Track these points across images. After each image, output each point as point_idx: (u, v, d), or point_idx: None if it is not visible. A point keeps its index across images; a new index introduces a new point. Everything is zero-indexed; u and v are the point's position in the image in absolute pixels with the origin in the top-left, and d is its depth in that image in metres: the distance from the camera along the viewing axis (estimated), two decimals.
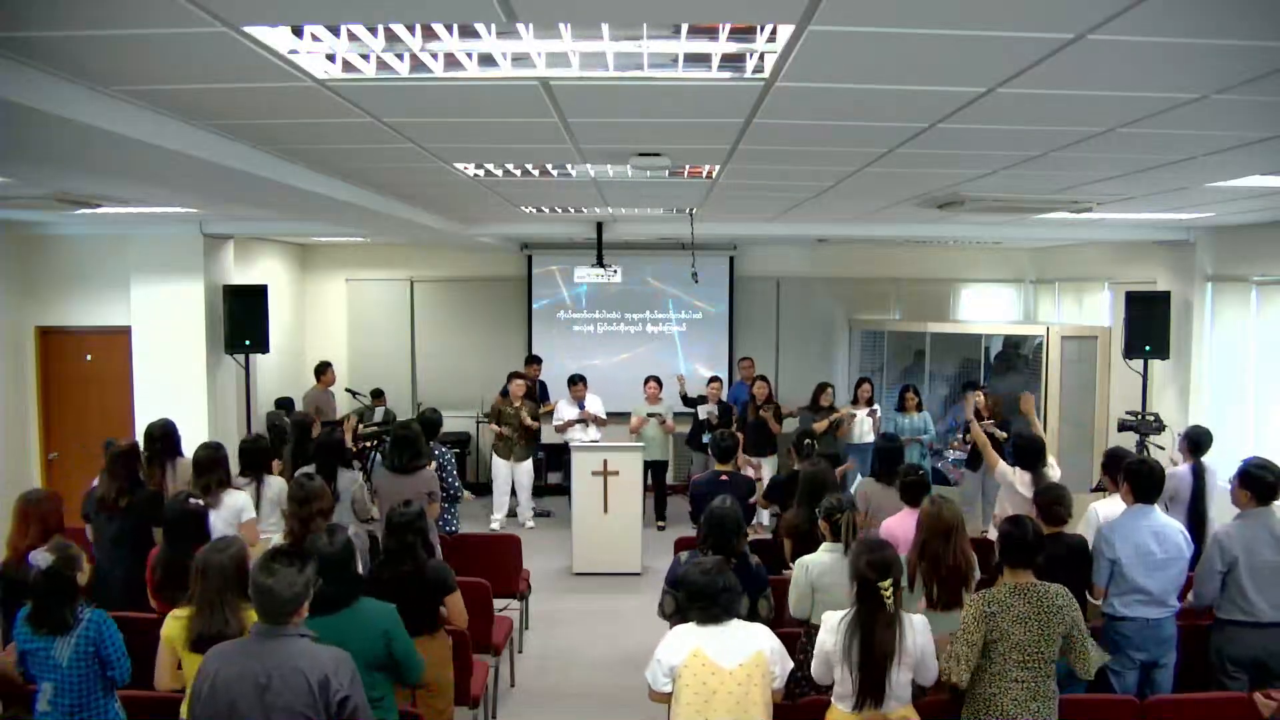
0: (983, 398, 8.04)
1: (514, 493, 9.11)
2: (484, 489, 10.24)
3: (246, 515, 4.88)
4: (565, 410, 9.01)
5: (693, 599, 3.32)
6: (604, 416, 8.97)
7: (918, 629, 3.38)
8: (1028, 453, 5.47)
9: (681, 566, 4.25)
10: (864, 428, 8.70)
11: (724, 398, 9.38)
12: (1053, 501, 4.40)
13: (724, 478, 5.74)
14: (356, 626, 3.32)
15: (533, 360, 9.57)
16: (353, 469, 5.70)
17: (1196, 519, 5.38)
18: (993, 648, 3.44)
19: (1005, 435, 8.03)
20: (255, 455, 5.35)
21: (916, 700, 3.49)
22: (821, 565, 4.11)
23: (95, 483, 5.41)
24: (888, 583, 3.26)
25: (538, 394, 9.41)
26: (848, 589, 3.45)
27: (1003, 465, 5.61)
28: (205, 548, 3.51)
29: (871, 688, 3.27)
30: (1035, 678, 3.42)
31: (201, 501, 4.35)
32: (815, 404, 8.73)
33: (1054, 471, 5.50)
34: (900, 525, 4.66)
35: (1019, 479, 5.43)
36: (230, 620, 3.32)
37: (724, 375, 10.43)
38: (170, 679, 3.45)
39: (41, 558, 3.41)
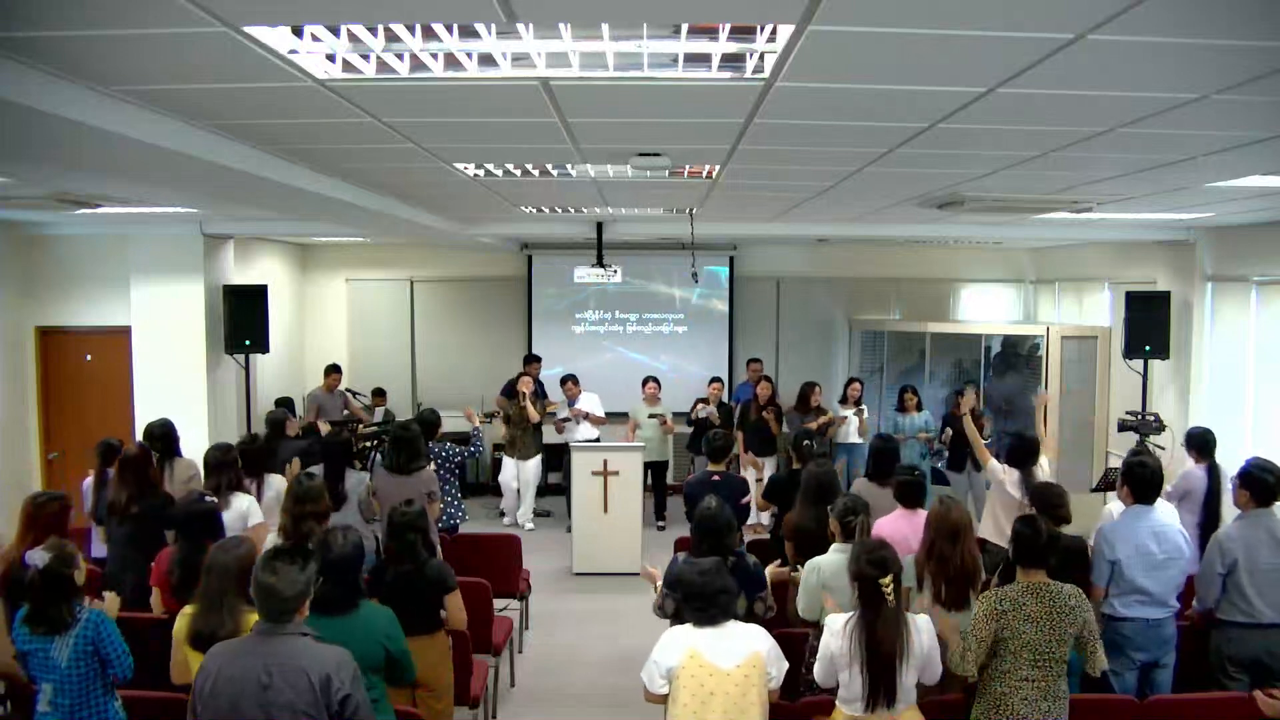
0: (973, 396, 7.95)
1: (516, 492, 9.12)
2: (483, 489, 10.27)
3: (253, 519, 4.90)
4: (560, 410, 9.10)
5: (689, 600, 3.31)
6: (600, 414, 8.98)
7: (922, 629, 3.38)
8: (1020, 451, 5.46)
9: (678, 567, 4.24)
10: (851, 427, 8.74)
11: (724, 398, 9.39)
12: (1055, 504, 4.39)
13: (716, 478, 5.73)
14: (359, 629, 3.32)
15: (532, 359, 9.59)
16: (358, 470, 5.71)
17: (1210, 520, 5.38)
18: (1004, 646, 3.43)
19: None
20: (254, 455, 5.36)
21: (925, 699, 3.49)
22: (833, 566, 4.09)
23: (86, 482, 5.42)
24: (888, 579, 3.27)
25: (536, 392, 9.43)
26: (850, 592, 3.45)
27: (993, 463, 5.61)
28: (215, 546, 3.53)
29: (883, 688, 3.26)
30: (1046, 677, 3.42)
31: (215, 500, 4.36)
32: (805, 404, 8.73)
33: (1043, 471, 5.49)
34: (893, 526, 4.62)
35: (1009, 478, 5.42)
36: (227, 620, 3.33)
37: (724, 375, 10.43)
38: (182, 675, 3.47)
39: (38, 556, 3.41)
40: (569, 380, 9.10)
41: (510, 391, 8.94)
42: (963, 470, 8.19)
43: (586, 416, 8.95)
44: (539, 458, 9.10)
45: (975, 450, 5.98)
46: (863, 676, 3.27)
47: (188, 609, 3.49)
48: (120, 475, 4.86)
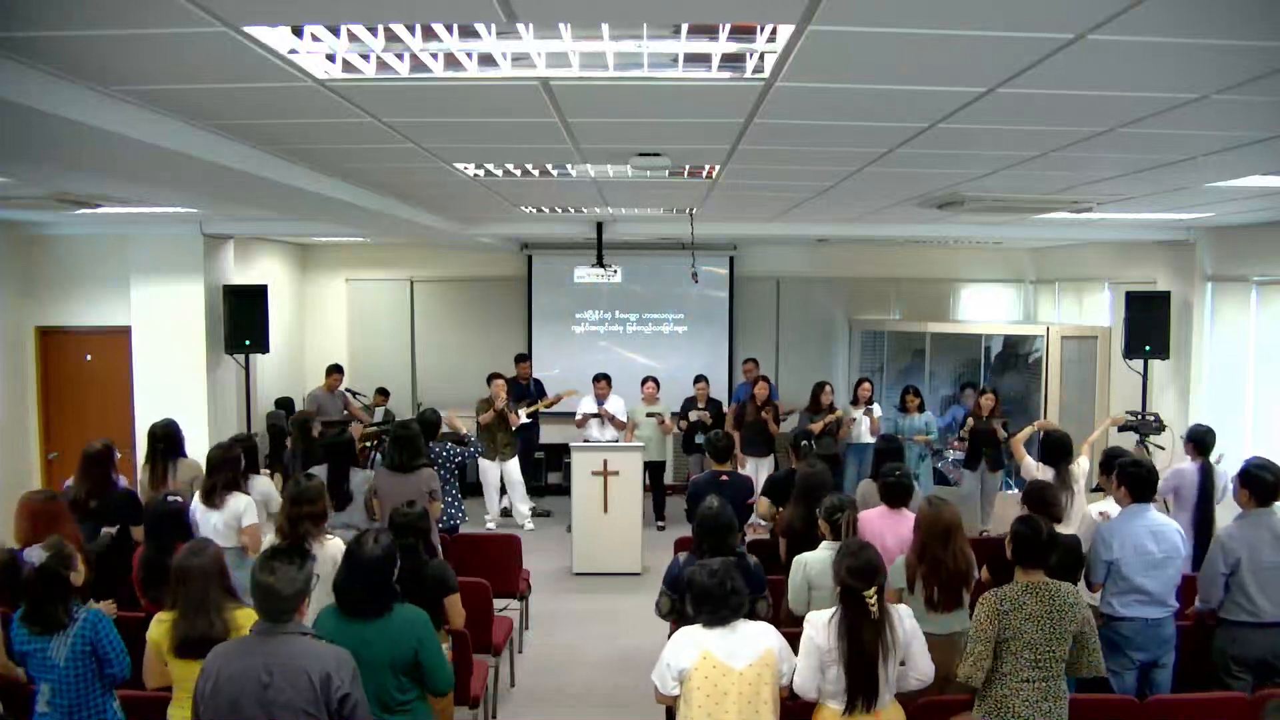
0: (992, 398, 8.01)
1: (504, 490, 9.08)
2: (483, 489, 10.26)
3: (247, 519, 4.84)
4: (586, 405, 9.01)
5: (701, 602, 3.29)
6: (622, 419, 8.96)
7: (904, 616, 3.39)
8: (1055, 450, 5.48)
9: (679, 568, 4.24)
10: (863, 428, 8.70)
11: (712, 396, 9.36)
12: (1049, 502, 4.39)
13: (723, 478, 5.72)
14: (392, 632, 3.25)
15: (522, 359, 9.58)
16: (364, 469, 5.71)
17: (1204, 519, 5.38)
18: (1004, 647, 3.43)
19: (1005, 435, 8.05)
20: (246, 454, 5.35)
21: (926, 699, 3.48)
22: (820, 563, 4.11)
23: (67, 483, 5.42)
24: (872, 590, 3.24)
25: (531, 391, 9.41)
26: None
27: (1029, 461, 5.63)
28: (181, 552, 3.47)
29: (863, 689, 3.25)
30: (1046, 678, 3.41)
31: (180, 499, 4.34)
32: (815, 404, 8.70)
33: (1080, 470, 5.51)
34: (874, 521, 4.62)
35: (1045, 476, 5.42)
36: (215, 622, 3.30)
37: (725, 375, 10.41)
38: (157, 680, 3.44)
39: (35, 554, 3.40)
40: (602, 379, 9.04)
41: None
42: (977, 469, 8.14)
43: (613, 419, 8.92)
44: (518, 458, 9.05)
45: (1014, 450, 5.99)
46: (846, 676, 3.27)
47: (164, 615, 3.41)
48: (82, 471, 4.87)
